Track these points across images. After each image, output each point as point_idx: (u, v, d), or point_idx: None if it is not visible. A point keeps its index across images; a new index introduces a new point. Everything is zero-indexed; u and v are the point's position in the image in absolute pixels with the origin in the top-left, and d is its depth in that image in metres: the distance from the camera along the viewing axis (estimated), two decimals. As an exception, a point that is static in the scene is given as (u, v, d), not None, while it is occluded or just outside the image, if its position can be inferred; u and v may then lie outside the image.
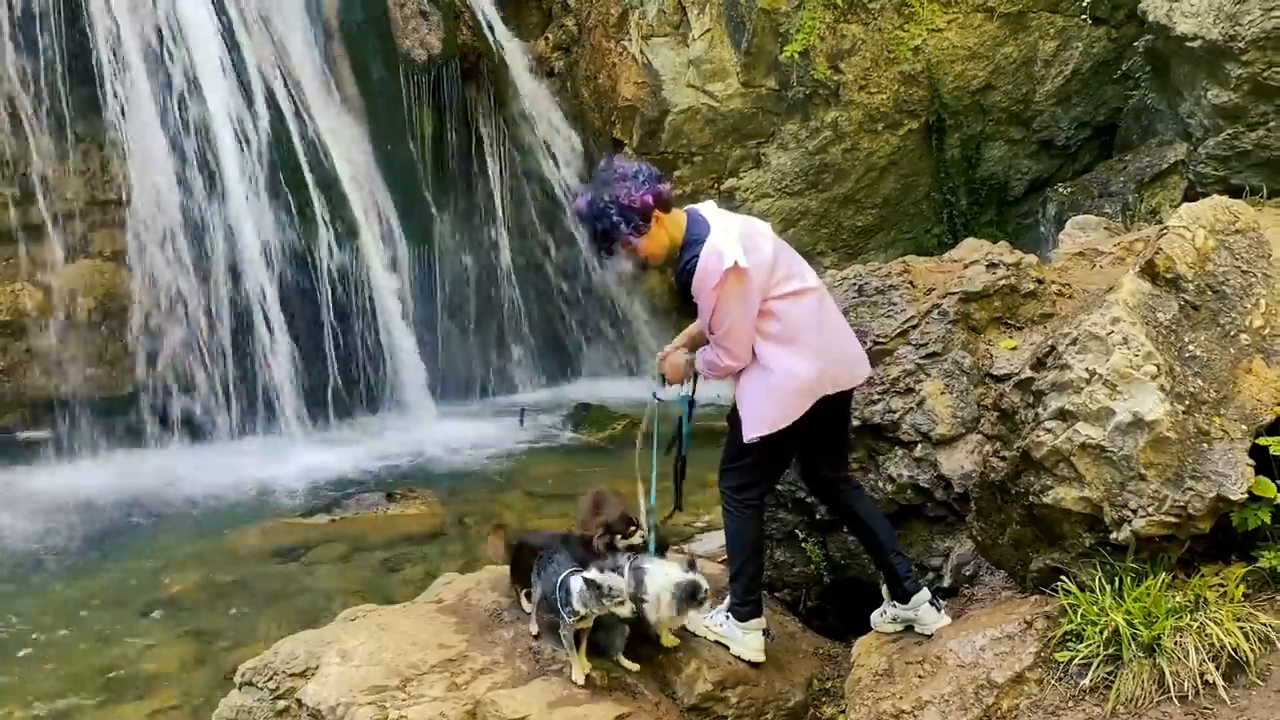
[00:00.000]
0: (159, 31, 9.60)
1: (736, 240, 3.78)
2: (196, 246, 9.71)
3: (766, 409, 3.87)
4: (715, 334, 3.86)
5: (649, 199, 3.80)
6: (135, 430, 9.49)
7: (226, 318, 9.76)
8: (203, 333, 9.69)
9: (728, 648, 4.18)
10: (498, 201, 11.42)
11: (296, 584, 6.73)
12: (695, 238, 3.83)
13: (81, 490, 8.47)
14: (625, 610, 3.83)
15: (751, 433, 3.89)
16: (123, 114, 9.43)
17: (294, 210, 9.99)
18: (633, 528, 4.31)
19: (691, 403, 4.29)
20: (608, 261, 4.02)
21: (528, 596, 4.25)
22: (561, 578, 3.90)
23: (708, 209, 3.98)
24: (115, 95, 9.39)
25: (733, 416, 4.00)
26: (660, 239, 3.88)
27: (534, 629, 4.16)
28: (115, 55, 9.39)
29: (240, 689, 4.26)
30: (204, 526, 7.81)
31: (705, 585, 3.95)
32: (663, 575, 3.94)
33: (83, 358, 9.42)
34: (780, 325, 3.85)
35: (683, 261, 3.85)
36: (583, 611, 3.81)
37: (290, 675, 4.12)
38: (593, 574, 3.83)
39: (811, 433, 3.96)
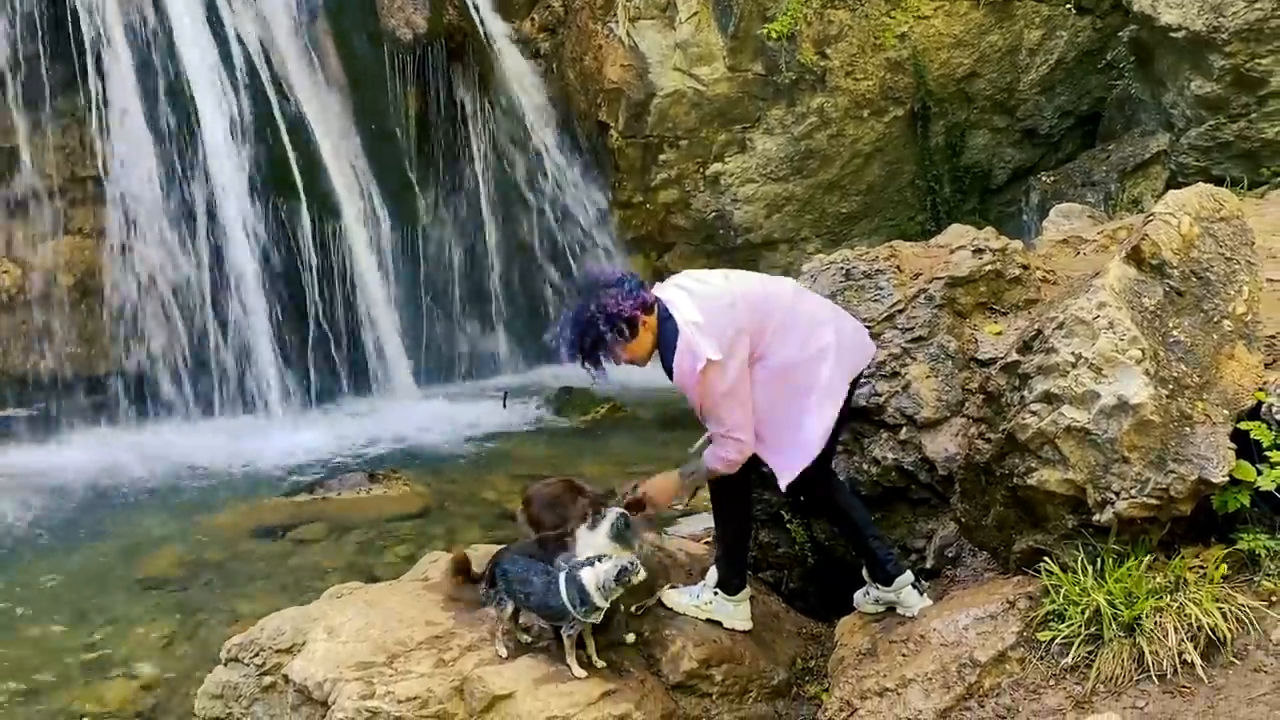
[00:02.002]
0: (141, 5, 9.49)
1: (704, 329, 3.78)
2: (177, 224, 9.63)
3: (800, 450, 3.93)
4: (711, 424, 3.88)
5: (636, 309, 3.80)
6: (115, 408, 9.42)
7: (208, 296, 9.69)
8: (183, 311, 9.63)
9: (718, 624, 4.22)
10: (482, 182, 11.37)
11: (279, 563, 6.71)
12: (666, 338, 3.83)
13: (61, 468, 8.42)
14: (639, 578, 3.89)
15: (786, 476, 3.95)
16: (104, 89, 9.33)
17: (276, 189, 9.91)
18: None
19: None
20: (593, 372, 3.97)
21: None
22: (565, 577, 3.84)
23: (672, 294, 3.93)
24: (96, 69, 9.28)
25: None
26: (645, 343, 3.87)
27: (502, 652, 3.98)
28: (96, 28, 9.28)
29: (226, 665, 4.26)
30: (185, 505, 7.77)
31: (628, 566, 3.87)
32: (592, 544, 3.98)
33: (62, 335, 9.34)
34: (773, 370, 3.88)
35: (664, 361, 3.87)
36: (602, 603, 3.82)
37: (277, 651, 4.12)
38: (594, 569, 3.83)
39: None
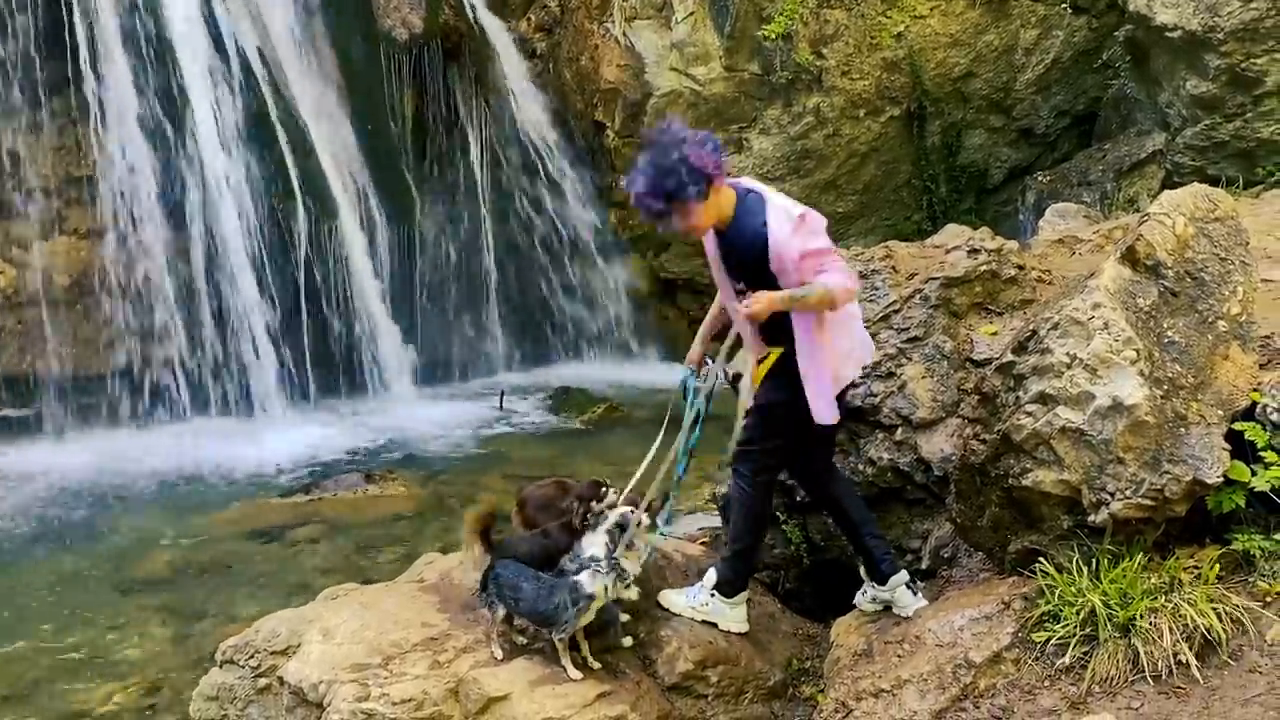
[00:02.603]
0: (136, 6, 9.48)
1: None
2: (173, 225, 9.62)
3: (828, 390, 3.90)
4: (821, 273, 3.72)
5: (716, 169, 3.70)
6: (111, 409, 9.42)
7: (204, 297, 9.68)
8: (180, 312, 9.62)
9: (714, 625, 4.21)
10: (479, 182, 11.37)
11: (275, 564, 6.71)
12: (750, 209, 3.77)
13: (56, 469, 8.41)
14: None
15: (828, 415, 3.89)
16: (99, 89, 9.31)
17: (272, 189, 9.90)
18: (604, 489, 4.24)
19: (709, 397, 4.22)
20: (659, 223, 3.79)
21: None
22: (564, 583, 3.86)
23: (748, 180, 3.93)
24: (92, 70, 9.27)
25: (759, 399, 3.99)
26: (714, 209, 3.78)
27: (497, 653, 3.96)
28: (92, 29, 9.27)
29: (221, 667, 4.25)
30: (181, 506, 7.76)
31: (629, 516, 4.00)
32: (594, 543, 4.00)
33: (57, 336, 9.33)
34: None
35: (749, 231, 3.76)
36: (600, 596, 3.83)
37: (272, 653, 4.11)
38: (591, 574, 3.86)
39: None
